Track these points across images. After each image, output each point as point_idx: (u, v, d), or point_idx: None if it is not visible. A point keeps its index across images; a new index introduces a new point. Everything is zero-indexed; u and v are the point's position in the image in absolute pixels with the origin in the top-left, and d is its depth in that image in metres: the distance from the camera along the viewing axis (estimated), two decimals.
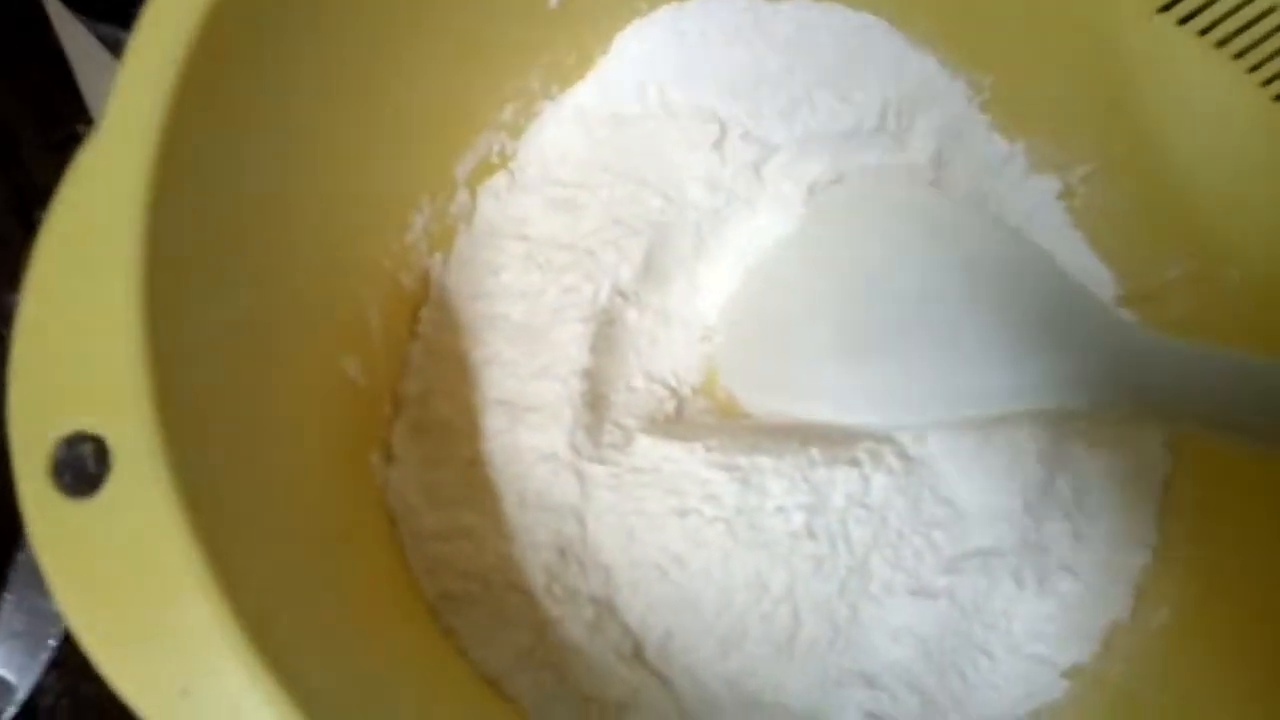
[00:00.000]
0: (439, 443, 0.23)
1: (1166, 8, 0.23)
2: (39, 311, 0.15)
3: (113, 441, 0.14)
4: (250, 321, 0.18)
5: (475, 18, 0.24)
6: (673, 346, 0.27)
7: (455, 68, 0.24)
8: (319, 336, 0.21)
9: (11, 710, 0.27)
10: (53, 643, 0.27)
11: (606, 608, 0.22)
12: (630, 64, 0.27)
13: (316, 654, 0.15)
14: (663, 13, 0.27)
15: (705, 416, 0.26)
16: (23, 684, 0.27)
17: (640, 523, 0.23)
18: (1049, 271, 0.23)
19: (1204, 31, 0.23)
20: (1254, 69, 0.23)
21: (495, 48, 0.25)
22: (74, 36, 0.31)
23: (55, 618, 0.27)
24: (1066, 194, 0.27)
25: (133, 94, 0.16)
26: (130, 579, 0.14)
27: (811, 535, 0.23)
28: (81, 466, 0.14)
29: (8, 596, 0.27)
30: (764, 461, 0.23)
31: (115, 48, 0.26)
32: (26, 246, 0.32)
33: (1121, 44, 0.25)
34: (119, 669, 0.13)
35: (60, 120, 0.32)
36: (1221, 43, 0.23)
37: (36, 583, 0.28)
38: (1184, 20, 0.23)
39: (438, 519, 0.22)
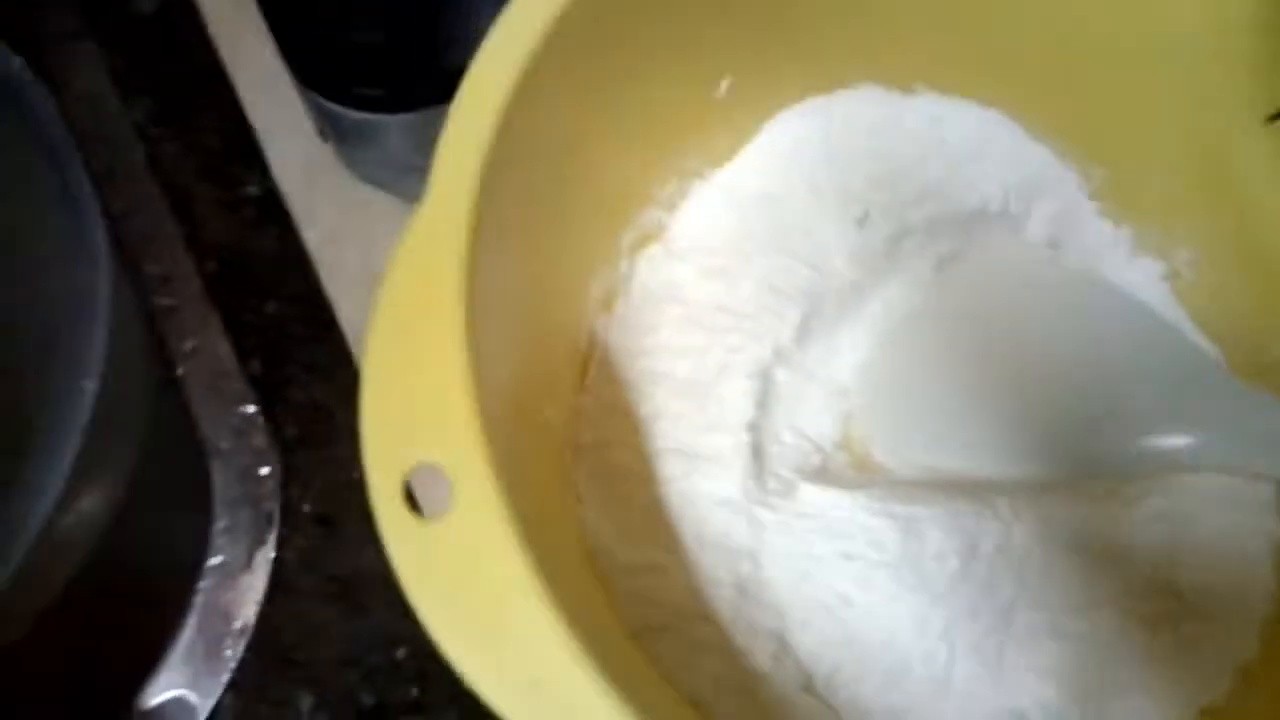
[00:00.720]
0: (619, 487, 0.26)
1: (1276, 117, 0.26)
2: (382, 358, 0.17)
3: (451, 470, 0.16)
4: (516, 371, 0.20)
5: (659, 106, 0.27)
6: (814, 403, 0.29)
7: (636, 149, 0.27)
8: (535, 387, 0.24)
9: None
10: (232, 664, 0.29)
11: (782, 643, 0.24)
12: (780, 148, 0.30)
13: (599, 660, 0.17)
14: (810, 104, 0.30)
15: (847, 470, 0.28)
16: (203, 704, 0.28)
17: (810, 565, 0.25)
18: (1173, 339, 0.26)
19: None
20: None
21: (669, 131, 0.28)
22: (259, 104, 0.34)
23: (234, 640, 0.29)
24: (1171, 275, 0.30)
25: (451, 170, 0.18)
26: (476, 588, 0.16)
27: (966, 580, 0.25)
28: (429, 490, 0.16)
29: (190, 620, 0.29)
30: (919, 511, 0.25)
31: (324, 115, 0.29)
32: (197, 292, 0.35)
33: (1228, 147, 0.28)
34: (475, 666, 0.15)
35: (235, 181, 0.35)
36: None
37: (218, 606, 0.29)
38: None
39: (629, 555, 0.24)
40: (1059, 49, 0.28)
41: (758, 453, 0.27)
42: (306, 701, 0.29)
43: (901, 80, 0.30)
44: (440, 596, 0.16)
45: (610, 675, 0.16)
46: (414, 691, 0.29)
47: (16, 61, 0.23)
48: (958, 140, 0.30)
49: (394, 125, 0.26)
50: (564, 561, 0.23)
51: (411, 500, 0.16)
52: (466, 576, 0.16)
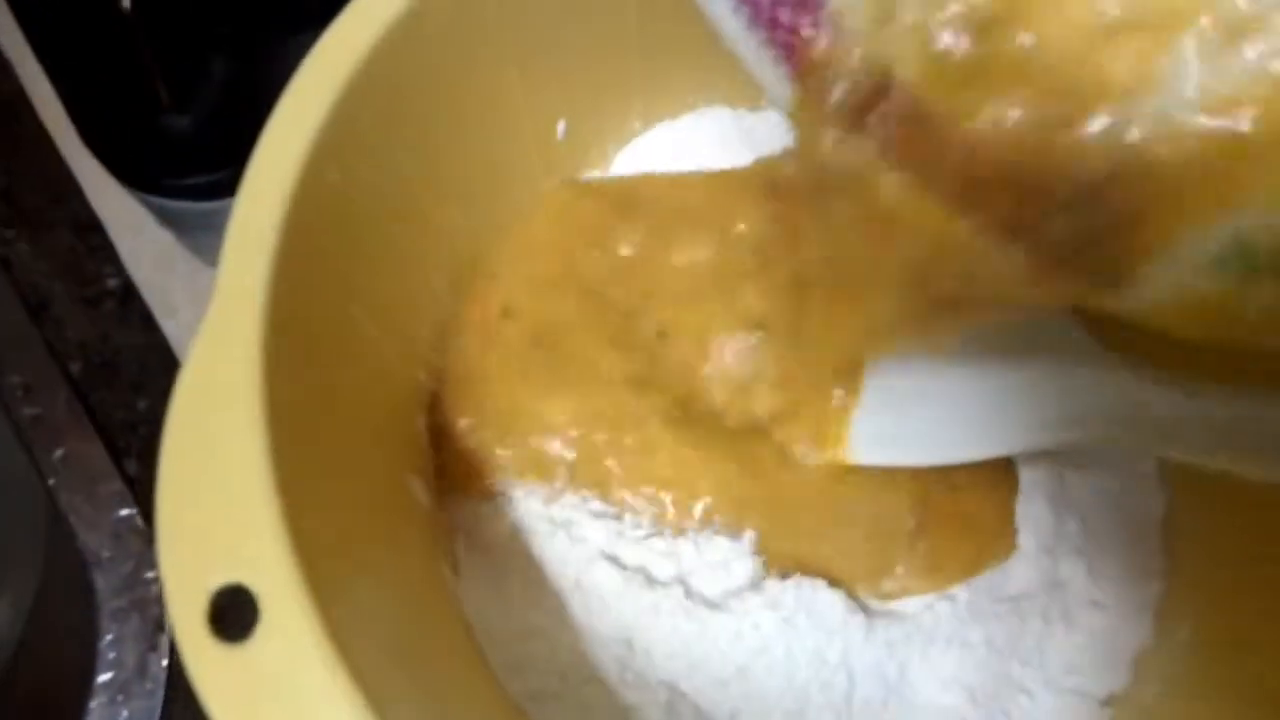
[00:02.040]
0: (494, 555, 0.25)
1: None
2: (177, 474, 0.16)
3: (259, 590, 0.16)
4: (347, 460, 0.20)
5: (497, 149, 0.26)
6: None
7: (464, 205, 0.27)
8: (392, 460, 0.23)
9: None
10: None
11: (674, 691, 0.24)
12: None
13: None
14: (657, 130, 0.30)
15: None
16: None
17: (701, 610, 0.24)
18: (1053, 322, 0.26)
19: None
20: None
21: (513, 174, 0.27)
22: (108, 200, 0.33)
23: None
24: None
25: (239, 267, 0.18)
26: (286, 714, 0.15)
27: (856, 610, 0.25)
28: (232, 614, 0.16)
29: None
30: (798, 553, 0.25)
31: (154, 208, 0.28)
32: (64, 398, 0.34)
33: None
34: None
35: (93, 276, 0.34)
36: None
37: None
38: None
39: (509, 623, 0.24)
40: None
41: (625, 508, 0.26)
42: None
43: (747, 100, 0.30)
44: None
45: None
46: None
47: None
48: None
49: (222, 210, 0.25)
50: (436, 640, 0.22)
51: (223, 622, 0.16)
52: (278, 705, 0.15)
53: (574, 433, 0.26)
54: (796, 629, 0.24)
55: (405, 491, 0.24)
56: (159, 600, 0.30)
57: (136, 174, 0.25)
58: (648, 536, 0.25)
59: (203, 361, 0.17)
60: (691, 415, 0.27)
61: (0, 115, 0.36)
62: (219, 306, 0.17)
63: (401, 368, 0.25)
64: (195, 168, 0.25)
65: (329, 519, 0.18)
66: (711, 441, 0.26)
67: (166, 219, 0.28)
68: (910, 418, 0.26)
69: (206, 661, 0.15)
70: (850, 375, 0.27)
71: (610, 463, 0.26)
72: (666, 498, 0.26)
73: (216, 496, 0.16)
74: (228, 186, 0.26)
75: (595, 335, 0.27)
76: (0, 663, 0.27)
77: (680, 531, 0.25)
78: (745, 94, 0.30)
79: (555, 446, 0.26)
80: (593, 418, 0.26)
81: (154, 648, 0.29)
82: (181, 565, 0.16)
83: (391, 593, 0.21)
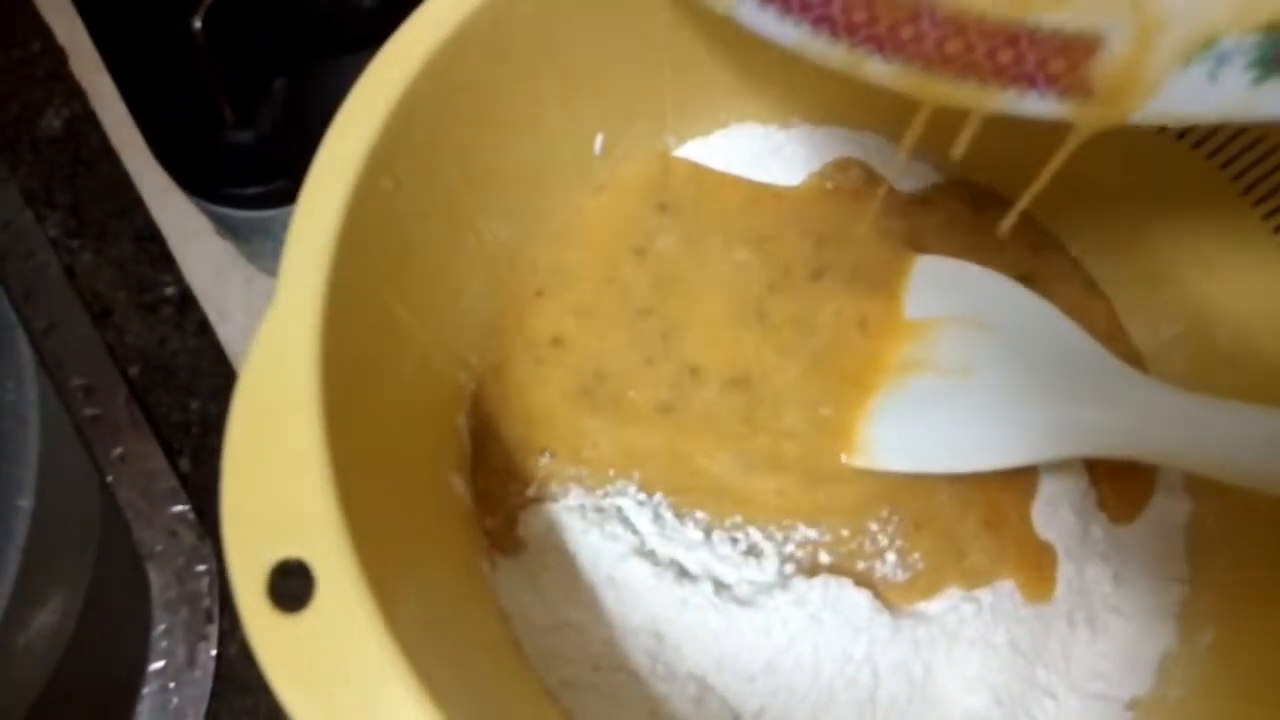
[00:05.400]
0: (529, 550, 0.26)
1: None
2: (241, 457, 0.18)
3: (315, 564, 0.17)
4: (393, 453, 0.21)
5: (537, 162, 0.27)
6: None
7: (509, 213, 0.28)
8: (434, 456, 0.24)
9: None
10: None
11: (703, 685, 0.24)
12: None
13: None
14: (690, 146, 0.31)
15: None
16: None
17: (731, 608, 0.25)
18: (1067, 330, 0.26)
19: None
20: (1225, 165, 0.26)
21: (552, 187, 0.29)
22: (169, 213, 0.35)
23: None
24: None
25: (298, 268, 0.19)
26: (342, 679, 0.16)
27: (883, 610, 0.25)
28: (290, 586, 0.17)
29: None
30: (826, 555, 0.26)
31: (215, 217, 0.30)
32: (123, 399, 0.35)
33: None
34: None
35: (151, 284, 0.36)
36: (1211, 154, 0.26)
37: (163, 710, 0.30)
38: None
39: (543, 615, 0.25)
40: None
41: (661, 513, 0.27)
42: None
43: (777, 116, 0.31)
44: (307, 691, 0.16)
45: None
46: None
47: None
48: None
49: (279, 218, 0.27)
50: (474, 626, 0.23)
51: (282, 596, 0.17)
52: (332, 669, 0.16)
53: (616, 458, 0.27)
54: (823, 626, 0.25)
55: (446, 487, 0.25)
56: (209, 592, 0.31)
57: (201, 184, 0.27)
58: (681, 536, 0.26)
59: (265, 354, 0.18)
60: (724, 438, 0.27)
61: (72, 136, 0.38)
62: (282, 301, 0.19)
63: (444, 368, 0.26)
64: (255, 178, 0.26)
65: (377, 506, 0.19)
66: (744, 460, 0.27)
67: (225, 228, 0.30)
68: (931, 426, 0.27)
69: (265, 629, 0.16)
70: (872, 384, 0.28)
71: (646, 480, 0.27)
72: (704, 514, 0.27)
73: (276, 478, 0.17)
74: (284, 196, 0.27)
75: (638, 367, 0.28)
76: (58, 651, 0.28)
77: (712, 533, 0.26)
78: (776, 111, 0.31)
79: (596, 465, 0.27)
80: (633, 444, 0.27)
81: (204, 638, 0.31)
82: (244, 540, 0.17)
83: (433, 580, 0.22)
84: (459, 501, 0.26)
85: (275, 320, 0.18)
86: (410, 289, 0.24)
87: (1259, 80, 0.17)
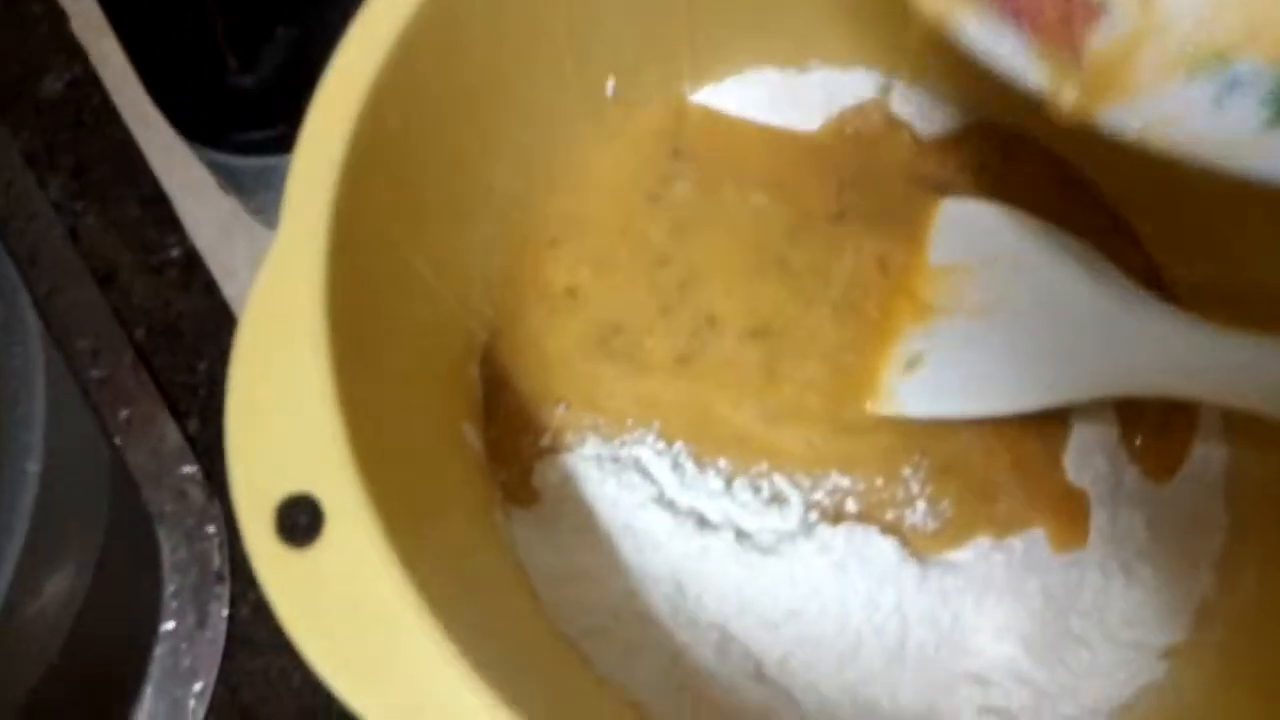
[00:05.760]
0: (549, 501, 0.25)
1: None
2: (246, 393, 0.17)
3: (324, 499, 0.16)
4: (404, 397, 0.20)
5: (547, 104, 0.27)
6: None
7: (518, 154, 0.27)
8: (446, 404, 0.24)
9: None
10: None
11: (725, 633, 0.24)
12: None
13: (511, 673, 0.16)
14: (704, 91, 0.30)
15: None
16: None
17: (752, 556, 0.24)
18: (1102, 268, 0.25)
19: None
20: None
21: (562, 131, 0.28)
22: (174, 172, 0.34)
23: (195, 703, 0.29)
24: None
25: (303, 196, 0.18)
26: (353, 614, 0.15)
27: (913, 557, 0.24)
28: (298, 522, 0.16)
29: (148, 689, 0.29)
30: (853, 504, 0.25)
31: (219, 169, 0.29)
32: (129, 361, 0.35)
33: None
34: (352, 691, 0.15)
35: (157, 245, 0.35)
36: None
37: (175, 671, 0.29)
38: None
39: (559, 564, 0.24)
40: None
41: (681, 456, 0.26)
42: None
43: (795, 59, 0.30)
44: (318, 627, 0.15)
45: (526, 682, 0.16)
46: None
47: None
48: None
49: (281, 167, 0.26)
50: (489, 574, 0.23)
51: (290, 534, 0.16)
52: (343, 604, 0.16)
53: (634, 407, 0.26)
54: (848, 574, 0.24)
55: (459, 436, 0.24)
56: (220, 553, 0.30)
57: (203, 131, 0.26)
58: (701, 485, 0.25)
59: (269, 286, 0.18)
60: (746, 388, 0.27)
61: (74, 98, 0.37)
62: (286, 230, 0.18)
63: (456, 316, 0.25)
64: (258, 123, 0.25)
65: (388, 446, 0.19)
66: (767, 410, 0.26)
67: (228, 180, 0.29)
68: (960, 369, 0.26)
69: (274, 565, 0.16)
70: (895, 330, 0.27)
71: (666, 430, 0.26)
72: (726, 463, 0.26)
73: (283, 412, 0.17)
74: (286, 142, 0.26)
75: (655, 317, 0.27)
76: (69, 613, 0.28)
77: (733, 481, 0.25)
78: (793, 53, 0.30)
79: (614, 414, 0.26)
80: (652, 394, 0.26)
81: (215, 598, 0.30)
82: (250, 476, 0.16)
83: (446, 525, 0.21)
84: (472, 452, 0.25)
85: (280, 249, 0.18)
86: (420, 234, 0.23)
87: (1272, 123, 0.14)
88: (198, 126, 0.26)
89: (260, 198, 0.29)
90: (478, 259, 0.26)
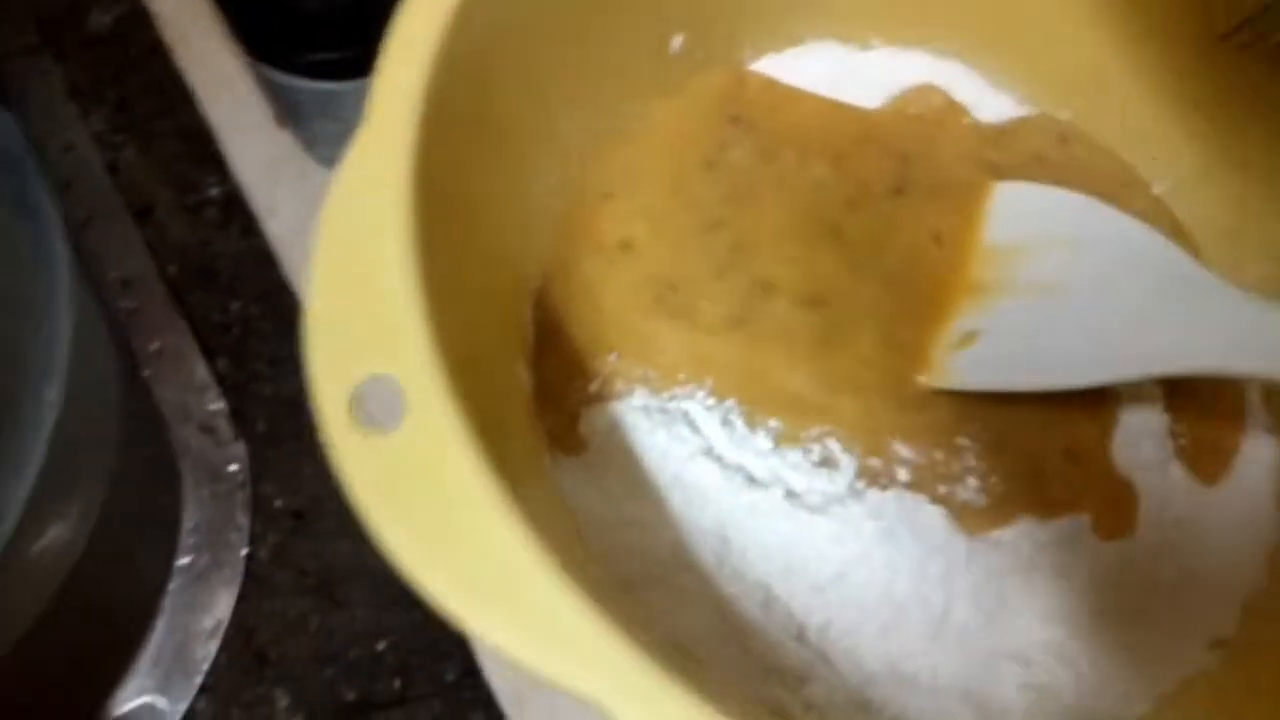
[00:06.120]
0: (597, 449, 0.25)
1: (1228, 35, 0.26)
2: (327, 276, 0.16)
3: (405, 382, 0.16)
4: (469, 319, 0.20)
5: (616, 53, 0.27)
6: None
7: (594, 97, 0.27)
8: (504, 342, 0.23)
9: None
10: (204, 666, 0.28)
11: (770, 594, 0.23)
12: None
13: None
14: (765, 61, 0.30)
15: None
16: (174, 709, 0.27)
17: (800, 512, 0.24)
18: (1162, 245, 0.25)
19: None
20: None
21: (626, 83, 0.28)
22: (220, 103, 0.34)
23: (206, 641, 0.28)
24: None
25: (389, 95, 0.18)
26: (433, 498, 0.15)
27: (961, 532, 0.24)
28: (376, 405, 0.16)
29: (159, 623, 0.28)
30: (904, 473, 0.25)
31: (281, 95, 0.29)
32: (160, 295, 0.34)
33: (1187, 70, 0.28)
34: (434, 578, 0.14)
35: (196, 185, 0.35)
36: None
37: (188, 608, 0.28)
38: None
39: (609, 512, 0.23)
40: None
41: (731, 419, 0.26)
42: (283, 701, 0.28)
43: (857, 35, 0.30)
44: (395, 510, 0.15)
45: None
46: (396, 684, 0.28)
47: None
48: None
49: (352, 93, 0.26)
50: (539, 513, 0.22)
51: (366, 415, 0.16)
52: (422, 487, 0.15)
53: (687, 363, 0.26)
54: (898, 541, 0.24)
55: (514, 373, 0.24)
56: (243, 490, 0.30)
57: (272, 50, 0.26)
58: (750, 443, 0.25)
59: (357, 169, 0.17)
60: (800, 354, 0.26)
61: (120, 31, 0.37)
62: (375, 116, 0.17)
63: (516, 255, 0.25)
64: (329, 44, 0.25)
65: (460, 354, 0.18)
66: (823, 377, 0.26)
67: (289, 108, 0.29)
68: (1015, 344, 0.26)
69: (351, 449, 0.15)
70: (950, 305, 0.27)
71: (719, 387, 0.25)
72: (778, 423, 0.25)
73: (366, 294, 0.16)
74: (357, 66, 0.26)
75: (708, 279, 0.27)
76: (82, 543, 0.27)
77: (783, 442, 0.25)
78: (857, 29, 0.30)
79: (666, 369, 0.26)
80: (706, 352, 0.26)
81: (234, 536, 0.29)
82: (329, 356, 0.16)
83: (506, 449, 0.20)
84: (523, 396, 0.24)
85: (369, 134, 0.17)
86: (489, 159, 0.23)
87: None
88: (267, 46, 0.26)
89: (318, 126, 0.29)
90: (537, 203, 0.26)
